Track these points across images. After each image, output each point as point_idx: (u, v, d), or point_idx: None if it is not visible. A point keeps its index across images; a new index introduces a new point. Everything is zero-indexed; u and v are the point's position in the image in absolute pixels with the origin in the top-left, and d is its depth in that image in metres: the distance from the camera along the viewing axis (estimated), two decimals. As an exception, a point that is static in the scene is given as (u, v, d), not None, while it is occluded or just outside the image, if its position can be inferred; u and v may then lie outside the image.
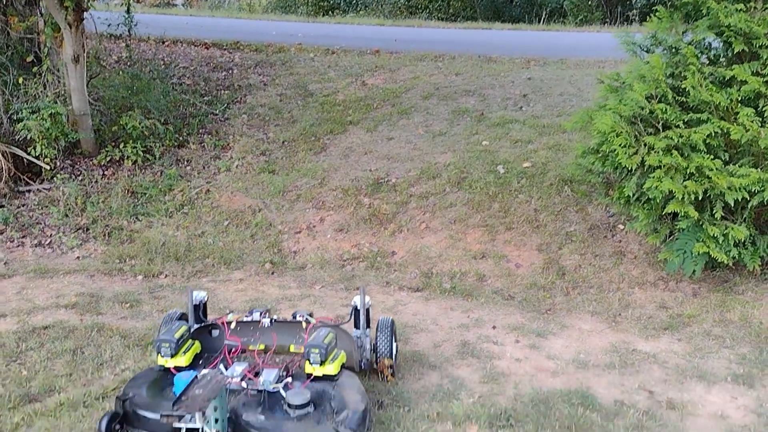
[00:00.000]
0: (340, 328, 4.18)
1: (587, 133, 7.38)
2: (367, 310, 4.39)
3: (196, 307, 4.38)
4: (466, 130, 8.92)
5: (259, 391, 3.66)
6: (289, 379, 3.78)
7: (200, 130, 9.83)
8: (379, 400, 3.96)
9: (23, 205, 7.97)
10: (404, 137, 9.05)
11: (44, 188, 8.17)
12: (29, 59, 8.87)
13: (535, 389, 4.14)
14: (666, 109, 5.32)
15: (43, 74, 8.69)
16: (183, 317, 4.41)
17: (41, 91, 8.56)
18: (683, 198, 5.18)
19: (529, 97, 9.64)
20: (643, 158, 5.36)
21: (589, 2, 20.61)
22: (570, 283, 6.06)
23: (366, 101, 10.31)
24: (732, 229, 5.19)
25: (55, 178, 8.22)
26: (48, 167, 8.27)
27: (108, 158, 8.72)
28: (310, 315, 4.34)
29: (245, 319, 4.30)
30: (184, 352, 3.97)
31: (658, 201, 5.48)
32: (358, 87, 10.96)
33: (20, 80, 8.58)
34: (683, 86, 5.37)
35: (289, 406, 3.52)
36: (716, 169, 5.10)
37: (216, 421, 3.35)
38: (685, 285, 5.76)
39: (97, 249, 7.34)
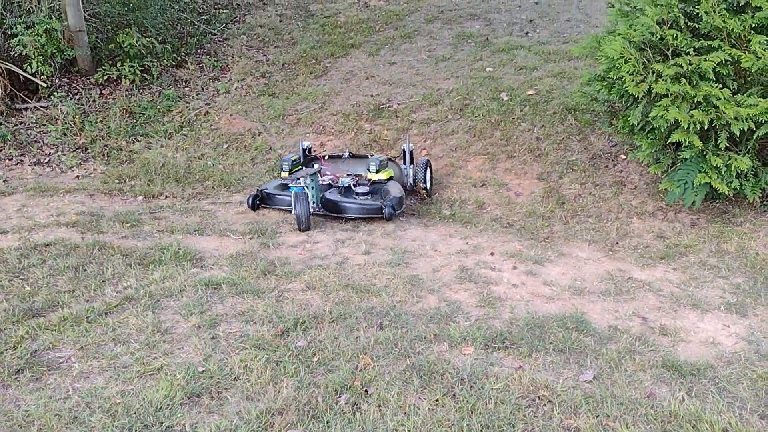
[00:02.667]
0: (391, 160, 6.65)
1: (594, 61, 7.26)
2: (411, 152, 6.60)
3: (304, 150, 6.82)
4: (470, 55, 8.75)
5: (339, 186, 6.27)
6: (358, 180, 6.35)
7: (198, 50, 9.63)
8: (379, 321, 4.02)
9: (21, 123, 7.89)
10: (407, 62, 8.88)
11: (41, 106, 8.06)
12: (21, -28, 8.58)
13: (530, 313, 4.20)
14: (677, 36, 5.18)
15: (36, -12, 8.44)
16: (297, 158, 6.60)
17: (35, 6, 8.33)
18: (689, 127, 5.12)
19: (536, 22, 9.40)
20: (650, 86, 5.27)
21: (602, -76, 19.79)
22: (569, 211, 6.07)
23: (368, 23, 10.06)
24: (735, 159, 5.16)
25: (52, 96, 8.11)
26: (45, 85, 8.14)
27: (105, 77, 8.57)
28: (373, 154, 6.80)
29: (334, 154, 6.89)
30: (296, 172, 6.20)
31: (662, 130, 5.43)
32: (361, 8, 10.67)
33: (13, -7, 8.34)
34: (696, 11, 5.22)
35: (356, 194, 6.18)
36: (724, 98, 5.02)
37: (312, 194, 6.00)
38: (683, 216, 5.78)
39: (96, 169, 7.31)
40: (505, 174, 6.72)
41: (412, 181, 6.55)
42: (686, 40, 5.21)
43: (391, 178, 6.37)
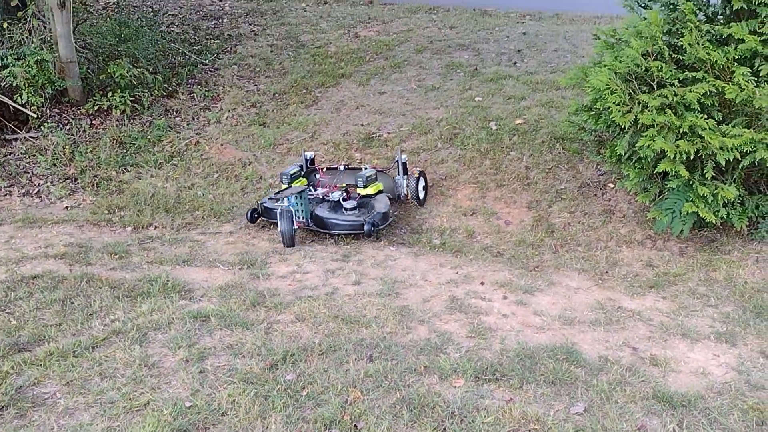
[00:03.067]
0: (382, 172, 6.91)
1: (581, 91, 7.33)
2: (404, 164, 6.83)
3: (306, 160, 7.10)
4: (459, 85, 8.83)
5: (330, 201, 6.51)
6: (346, 195, 6.56)
7: (189, 80, 9.68)
8: (369, 353, 4.00)
9: (10, 154, 7.87)
10: (397, 91, 8.95)
11: (31, 137, 8.06)
12: (14, 3, 8.64)
13: (521, 344, 4.19)
14: (662, 67, 5.26)
15: (28, 19, 8.49)
16: (300, 166, 6.97)
17: (26, 37, 8.39)
18: (675, 157, 5.18)
19: (524, 52, 9.53)
20: (636, 116, 5.33)
21: (588, -45, 20.16)
22: (558, 240, 6.09)
23: (358, 54, 10.16)
24: (722, 189, 5.21)
25: (42, 127, 8.11)
26: (35, 115, 8.14)
27: (96, 107, 8.59)
28: (372, 167, 6.96)
29: (331, 166, 7.14)
30: (295, 182, 6.65)
31: (649, 160, 5.48)
32: (351, 39, 10.79)
33: (5, 25, 8.38)
34: (680, 43, 5.31)
35: (345, 209, 6.36)
36: (709, 128, 5.08)
37: (301, 211, 6.25)
38: (672, 244, 5.81)
39: (85, 199, 7.29)
40: (494, 203, 6.75)
41: (405, 192, 6.76)
42: (671, 71, 5.29)
43: (380, 192, 6.64)
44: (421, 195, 6.84)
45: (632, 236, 5.98)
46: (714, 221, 5.30)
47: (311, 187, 6.78)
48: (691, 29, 5.24)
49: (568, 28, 10.51)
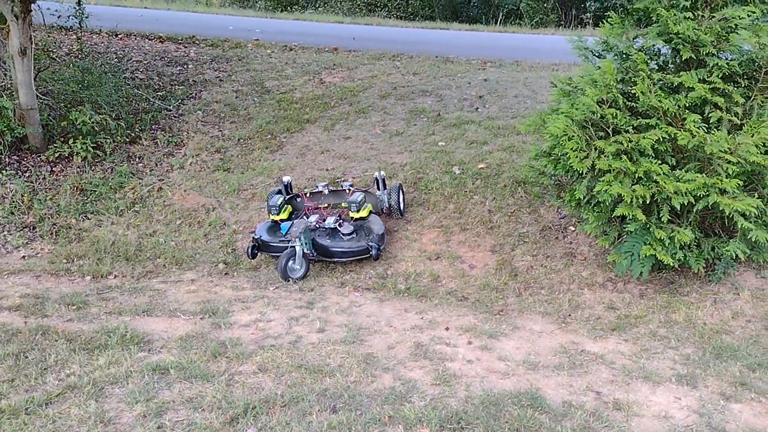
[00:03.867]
0: (368, 192, 7.26)
1: (540, 136, 7.49)
2: (383, 180, 7.26)
3: (285, 186, 7.31)
4: (422, 130, 8.96)
5: (326, 228, 6.73)
6: (341, 220, 6.88)
7: (153, 126, 9.64)
8: (333, 404, 3.94)
9: (-35, 203, 7.69)
10: (361, 136, 9.03)
11: (-12, 185, 7.90)
12: (-27, 51, 8.57)
13: (485, 391, 4.18)
14: (616, 114, 5.42)
15: (-13, 67, 8.42)
16: (279, 192, 7.27)
17: (-15, 85, 8.29)
18: (631, 201, 5.30)
19: (485, 98, 9.73)
20: (593, 162, 5.46)
21: (545, 4, 20.86)
22: (522, 283, 6.14)
23: (323, 99, 10.26)
24: (678, 232, 5.33)
25: (0, 174, 7.96)
26: (-8, 163, 8.00)
27: (56, 154, 8.48)
28: (351, 185, 7.34)
29: (314, 190, 7.38)
30: (283, 212, 6.96)
31: (607, 204, 5.59)
32: (316, 85, 10.90)
33: (-37, 72, 8.29)
34: (633, 92, 5.49)
35: (343, 234, 6.66)
36: (663, 173, 5.23)
37: (305, 244, 6.42)
38: (632, 286, 5.90)
39: (43, 248, 7.14)
40: (458, 246, 6.79)
41: (387, 206, 7.16)
42: (625, 118, 5.45)
43: (370, 213, 7.06)
44: (401, 206, 7.24)
45: (593, 279, 6.06)
46: (672, 263, 5.41)
47: (304, 216, 7.07)
48: (643, 78, 5.43)
49: (527, 74, 10.79)
